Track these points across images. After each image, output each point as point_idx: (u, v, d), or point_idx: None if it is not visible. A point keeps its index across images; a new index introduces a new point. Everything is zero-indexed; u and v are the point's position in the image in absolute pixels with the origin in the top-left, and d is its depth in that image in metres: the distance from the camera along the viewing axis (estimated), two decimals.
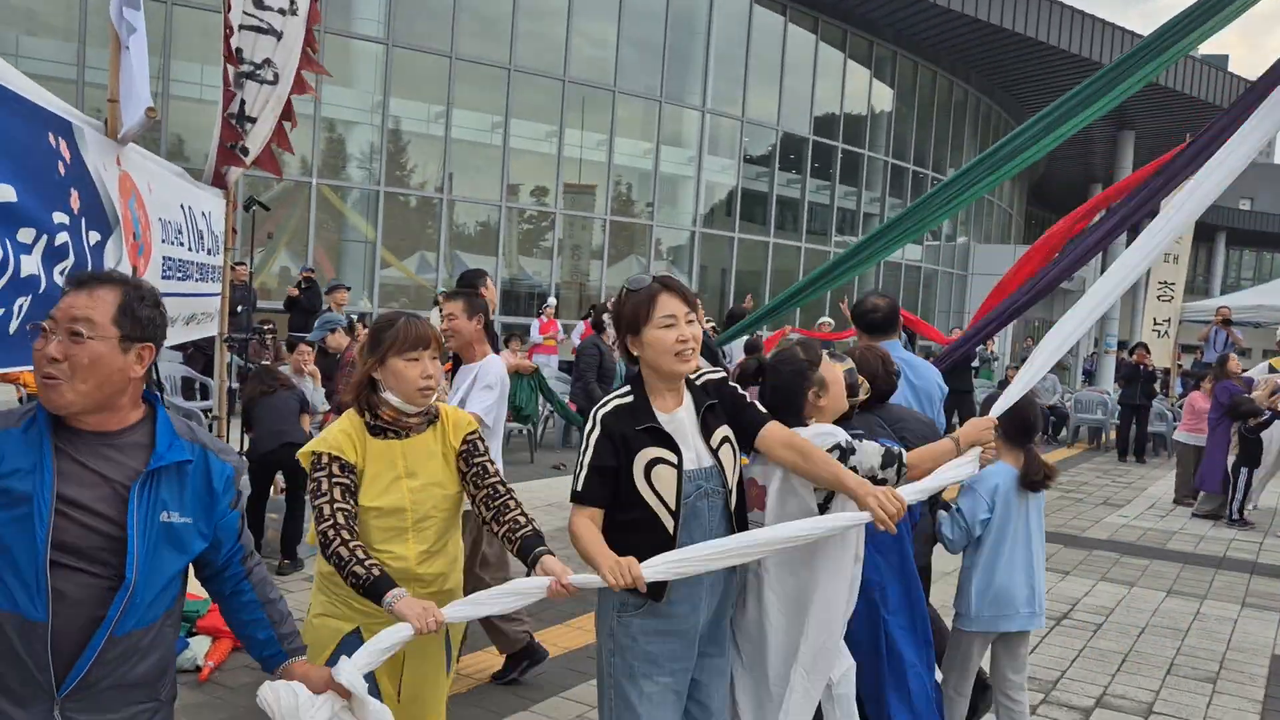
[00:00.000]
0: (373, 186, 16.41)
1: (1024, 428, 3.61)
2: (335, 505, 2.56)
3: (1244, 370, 10.83)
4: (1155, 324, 17.10)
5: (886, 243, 6.98)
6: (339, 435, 2.68)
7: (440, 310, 4.37)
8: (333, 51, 15.46)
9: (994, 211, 29.21)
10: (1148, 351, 13.95)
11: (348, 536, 2.52)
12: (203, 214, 5.47)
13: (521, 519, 2.69)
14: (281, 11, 5.78)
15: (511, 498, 2.76)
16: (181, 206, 5.08)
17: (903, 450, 2.90)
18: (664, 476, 2.57)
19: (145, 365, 2.05)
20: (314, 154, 15.64)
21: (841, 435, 2.83)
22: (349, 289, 11.92)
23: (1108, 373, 26.77)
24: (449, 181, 17.15)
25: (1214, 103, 24.56)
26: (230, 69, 5.52)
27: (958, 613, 3.76)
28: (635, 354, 2.68)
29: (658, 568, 2.46)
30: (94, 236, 4.10)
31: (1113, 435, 15.11)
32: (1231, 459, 9.55)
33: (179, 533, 2.03)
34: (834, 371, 2.99)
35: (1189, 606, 6.59)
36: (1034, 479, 3.67)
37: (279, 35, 5.78)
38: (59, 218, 3.78)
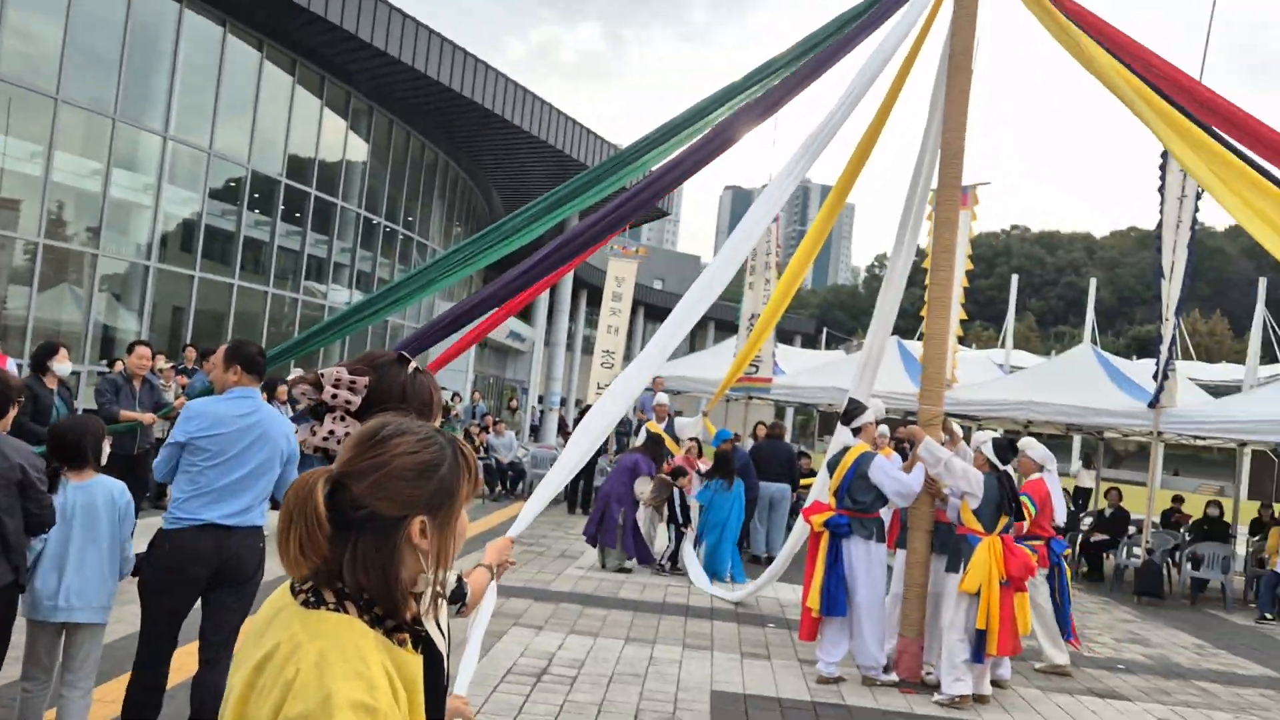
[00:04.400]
0: None
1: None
2: None
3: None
4: (599, 388, 19.15)
5: (385, 305, 7.27)
6: None
7: None
8: None
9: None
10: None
11: None
12: None
13: None
14: None
15: None
16: None
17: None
18: None
19: None
20: None
21: None
22: None
23: (551, 429, 29.33)
24: None
25: None
26: None
27: None
28: None
29: None
30: None
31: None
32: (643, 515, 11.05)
33: None
34: None
35: (644, 652, 7.49)
36: None
37: None
38: None
